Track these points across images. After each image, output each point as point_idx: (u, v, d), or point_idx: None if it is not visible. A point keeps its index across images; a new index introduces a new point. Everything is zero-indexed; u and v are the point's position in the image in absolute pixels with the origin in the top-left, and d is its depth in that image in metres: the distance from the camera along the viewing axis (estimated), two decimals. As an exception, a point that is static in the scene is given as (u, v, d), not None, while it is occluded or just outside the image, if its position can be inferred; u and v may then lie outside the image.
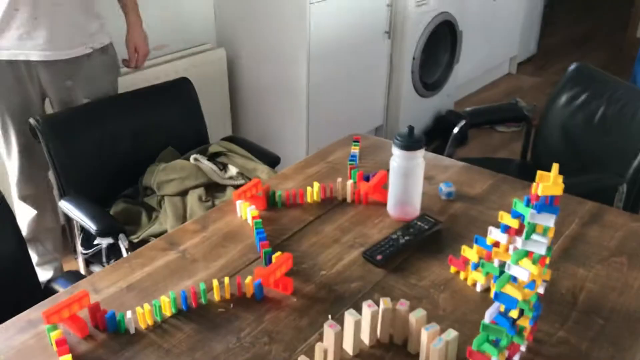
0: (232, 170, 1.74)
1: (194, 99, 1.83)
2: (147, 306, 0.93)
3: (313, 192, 1.25)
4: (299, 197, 1.25)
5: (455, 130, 1.97)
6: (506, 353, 0.81)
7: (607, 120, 1.76)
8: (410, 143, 1.12)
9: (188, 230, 1.17)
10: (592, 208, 1.22)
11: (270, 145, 2.01)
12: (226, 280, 0.98)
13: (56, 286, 1.19)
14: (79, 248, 1.60)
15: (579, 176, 1.65)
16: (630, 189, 1.61)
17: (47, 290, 1.20)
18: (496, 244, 0.95)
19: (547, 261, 0.82)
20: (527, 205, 0.81)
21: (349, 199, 1.26)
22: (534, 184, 0.80)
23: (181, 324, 0.93)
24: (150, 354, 0.87)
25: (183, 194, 1.68)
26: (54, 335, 0.86)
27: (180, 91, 1.83)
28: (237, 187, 1.62)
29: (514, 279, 0.79)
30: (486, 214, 1.20)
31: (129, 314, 0.91)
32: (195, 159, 1.75)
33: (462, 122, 1.97)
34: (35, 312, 0.95)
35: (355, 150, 1.42)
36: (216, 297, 0.97)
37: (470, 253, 1.00)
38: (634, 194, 1.63)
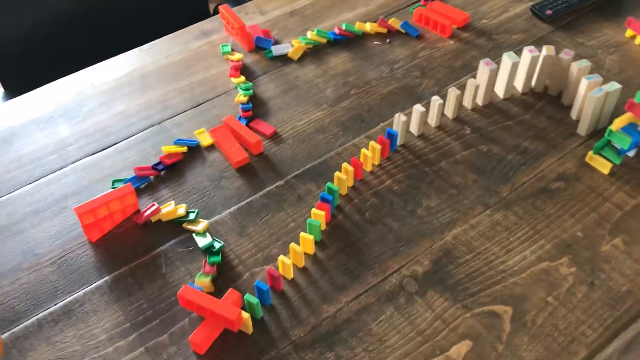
0: None
1: None
2: (310, 33, 0.98)
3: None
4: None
5: None
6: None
7: None
8: None
9: (351, -33, 1.16)
10: None
11: None
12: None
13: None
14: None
15: None
16: None
17: (216, 12, 1.28)
18: (690, 4, 0.85)
19: None
20: None
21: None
22: None
23: (337, 50, 0.96)
24: (309, 72, 0.93)
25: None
26: (230, 54, 0.95)
27: None
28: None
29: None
30: (685, -20, 1.05)
31: (287, 46, 0.97)
32: None
33: None
34: (209, 24, 1.03)
35: None
36: (371, 30, 0.98)
37: (656, 13, 0.90)
38: None
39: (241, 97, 0.87)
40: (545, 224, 0.70)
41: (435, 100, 0.81)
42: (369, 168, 0.77)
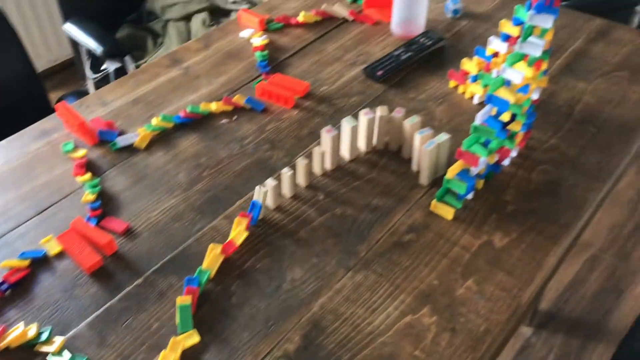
0: (236, -7, 1.70)
1: None
2: (155, 119, 0.97)
3: (308, 15, 1.23)
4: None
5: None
6: (496, 156, 0.85)
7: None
8: (415, -47, 1.07)
9: (191, 48, 1.18)
10: (601, 25, 1.19)
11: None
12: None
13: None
14: (88, 72, 1.62)
15: (596, -3, 1.58)
16: (647, 10, 1.55)
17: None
18: (496, 55, 0.95)
19: (544, 66, 0.82)
20: (529, 9, 0.79)
21: (347, 17, 1.24)
22: (536, -14, 0.77)
23: (185, 133, 0.96)
24: (158, 158, 0.92)
25: (187, 18, 1.66)
26: (72, 151, 0.92)
27: None
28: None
29: (507, 83, 0.79)
30: (492, 31, 1.18)
31: (132, 136, 0.96)
32: (198, -18, 1.70)
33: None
34: (48, 122, 0.99)
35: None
36: (217, 109, 1.00)
37: (470, 65, 1.00)
38: (651, 16, 1.58)
39: (89, 195, 0.84)
40: (403, 278, 0.73)
41: (285, 172, 0.83)
42: (238, 242, 0.76)
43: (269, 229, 0.80)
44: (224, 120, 0.99)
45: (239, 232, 0.77)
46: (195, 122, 0.98)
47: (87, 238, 0.77)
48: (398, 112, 0.89)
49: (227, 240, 0.76)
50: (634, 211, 1.89)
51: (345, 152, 0.91)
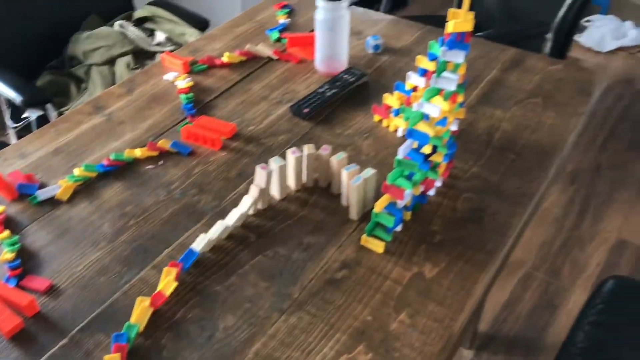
0: (160, 36, 1.69)
1: (113, -40, 1.73)
2: (77, 169, 0.94)
3: (233, 56, 1.23)
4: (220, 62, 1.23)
5: (390, -14, 1.93)
6: (421, 187, 0.87)
7: (537, -31, 1.75)
8: (333, -7, 1.10)
9: (113, 94, 1.16)
10: (515, 54, 1.26)
11: (204, 11, 1.94)
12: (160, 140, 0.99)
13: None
14: (8, 122, 1.56)
15: (509, 26, 1.67)
16: (556, 37, 1.65)
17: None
18: (415, 89, 0.98)
19: (460, 98, 0.85)
20: (442, 45, 0.82)
21: (271, 56, 1.25)
22: (447, 23, 0.81)
23: (109, 182, 0.94)
24: (82, 210, 0.89)
25: (110, 62, 1.63)
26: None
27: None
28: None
29: (426, 117, 0.82)
30: (411, 65, 1.22)
31: (54, 188, 0.92)
32: (121, 26, 1.68)
33: (396, -22, 1.92)
34: (-40, 179, 0.95)
35: (283, 18, 1.38)
36: (142, 155, 0.98)
37: (392, 100, 1.02)
38: (560, 43, 1.67)
39: (7, 254, 0.80)
40: (338, 316, 0.72)
41: (219, 222, 0.82)
42: (167, 293, 0.74)
43: (199, 276, 0.78)
44: (150, 166, 0.97)
45: (168, 282, 0.75)
46: (120, 170, 0.96)
47: (6, 300, 0.73)
48: (325, 150, 0.90)
49: (156, 292, 0.74)
50: (560, 229, 1.97)
51: (275, 192, 0.90)
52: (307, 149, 0.90)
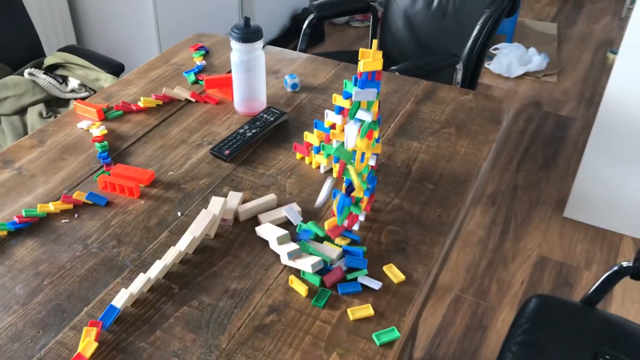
0: (73, 82, 1.64)
1: (19, 6, 1.67)
2: (-19, 227, 0.89)
3: (149, 100, 1.22)
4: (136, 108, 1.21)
5: (305, 25, 1.97)
6: (346, 222, 0.87)
7: (443, 5, 1.84)
8: (247, 35, 1.11)
9: (24, 146, 1.11)
10: (427, 86, 1.30)
11: (121, 54, 1.90)
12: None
13: None
14: None
15: (421, 59, 1.73)
16: (466, 67, 1.72)
17: None
18: (333, 126, 0.99)
19: (375, 134, 0.87)
20: (355, 84, 0.84)
21: (189, 98, 1.24)
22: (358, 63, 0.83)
23: (21, 240, 0.89)
24: (-9, 273, 0.84)
25: (21, 112, 1.57)
26: None
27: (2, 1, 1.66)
28: (82, 99, 1.54)
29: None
30: (329, 102, 1.24)
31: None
32: (30, 74, 1.62)
33: (311, 17, 1.97)
34: None
35: (199, 60, 1.38)
36: (56, 209, 0.94)
37: (312, 138, 1.03)
38: (470, 72, 1.75)
39: None
40: (268, 363, 0.71)
41: (141, 275, 0.79)
42: (88, 355, 0.70)
43: (122, 333, 0.75)
44: (65, 221, 0.93)
45: (88, 343, 0.71)
46: (33, 226, 0.92)
47: None
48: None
49: (76, 354, 0.70)
50: (484, 250, 2.03)
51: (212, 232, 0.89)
52: (231, 197, 0.89)
